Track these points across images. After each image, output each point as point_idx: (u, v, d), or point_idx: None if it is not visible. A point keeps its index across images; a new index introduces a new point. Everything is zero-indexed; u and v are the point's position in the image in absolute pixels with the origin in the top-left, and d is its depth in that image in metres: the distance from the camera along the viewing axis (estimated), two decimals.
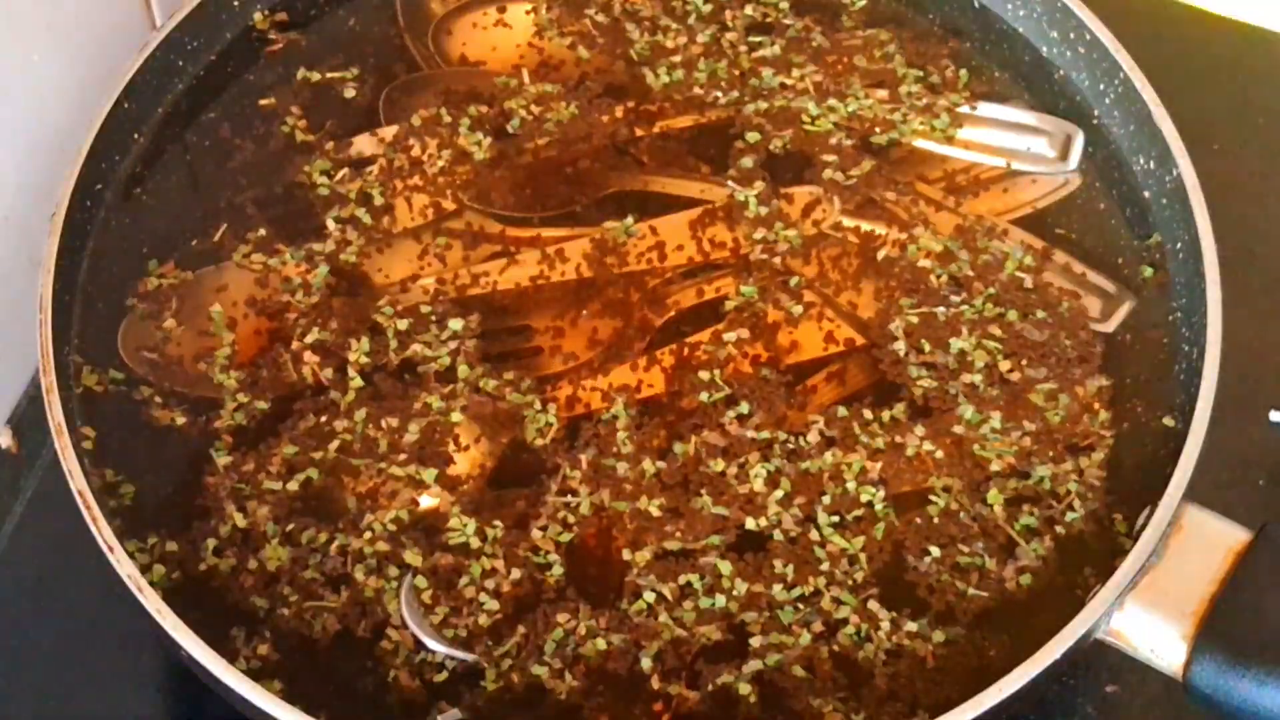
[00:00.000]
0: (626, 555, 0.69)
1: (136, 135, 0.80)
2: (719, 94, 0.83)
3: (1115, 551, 0.68)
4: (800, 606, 0.68)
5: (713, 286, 0.77)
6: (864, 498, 0.70)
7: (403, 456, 0.71)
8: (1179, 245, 0.76)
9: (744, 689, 0.66)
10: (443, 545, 0.69)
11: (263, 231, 0.78)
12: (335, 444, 0.72)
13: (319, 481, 0.71)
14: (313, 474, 0.71)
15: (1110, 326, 0.76)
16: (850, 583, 0.68)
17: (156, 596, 0.64)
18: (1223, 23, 0.99)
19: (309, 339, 0.75)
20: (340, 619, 0.68)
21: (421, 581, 0.68)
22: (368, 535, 0.69)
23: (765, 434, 0.72)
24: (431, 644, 0.67)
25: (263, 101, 0.83)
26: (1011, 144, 0.81)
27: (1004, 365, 0.74)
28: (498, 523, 0.70)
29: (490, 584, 0.68)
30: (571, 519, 0.70)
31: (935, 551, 0.69)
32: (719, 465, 0.71)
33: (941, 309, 0.75)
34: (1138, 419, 0.73)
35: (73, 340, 0.74)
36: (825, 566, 0.69)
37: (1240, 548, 0.66)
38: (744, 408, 0.73)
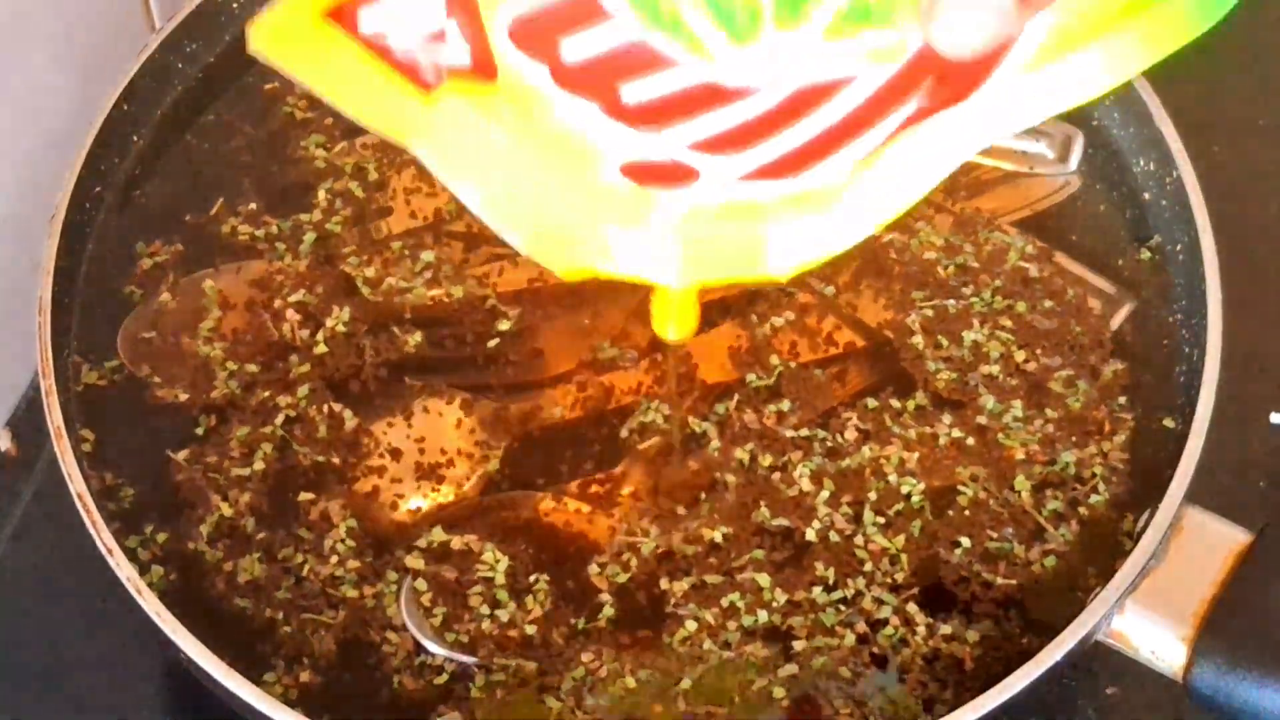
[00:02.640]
0: (664, 584, 0.69)
1: (136, 137, 0.80)
2: None
3: (1116, 553, 0.68)
4: (842, 609, 0.68)
5: (714, 288, 0.77)
6: (904, 489, 0.70)
7: (384, 460, 0.71)
8: (1179, 247, 0.76)
9: (778, 693, 0.66)
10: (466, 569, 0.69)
11: (254, 205, 0.78)
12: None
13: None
14: (265, 448, 0.71)
15: (1110, 328, 0.76)
16: (890, 582, 0.68)
17: (155, 599, 0.64)
18: (1223, 23, 0.99)
19: (291, 299, 0.75)
20: (341, 629, 0.68)
21: (421, 584, 0.68)
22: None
23: (804, 432, 0.72)
24: (432, 647, 0.67)
25: (267, 86, 0.83)
26: (1011, 146, 0.81)
27: (1019, 355, 0.74)
28: (540, 576, 0.69)
29: (507, 611, 0.68)
30: (634, 560, 0.69)
31: (966, 542, 0.69)
32: (767, 460, 0.71)
33: (952, 301, 0.76)
34: (1139, 420, 0.73)
35: (72, 342, 0.74)
36: (868, 567, 0.68)
37: (1241, 549, 0.66)
38: (761, 389, 0.73)
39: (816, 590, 0.68)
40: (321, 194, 0.79)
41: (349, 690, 0.66)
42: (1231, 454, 0.81)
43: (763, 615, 0.67)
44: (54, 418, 0.68)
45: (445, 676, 0.67)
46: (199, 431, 0.72)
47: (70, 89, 0.82)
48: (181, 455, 0.71)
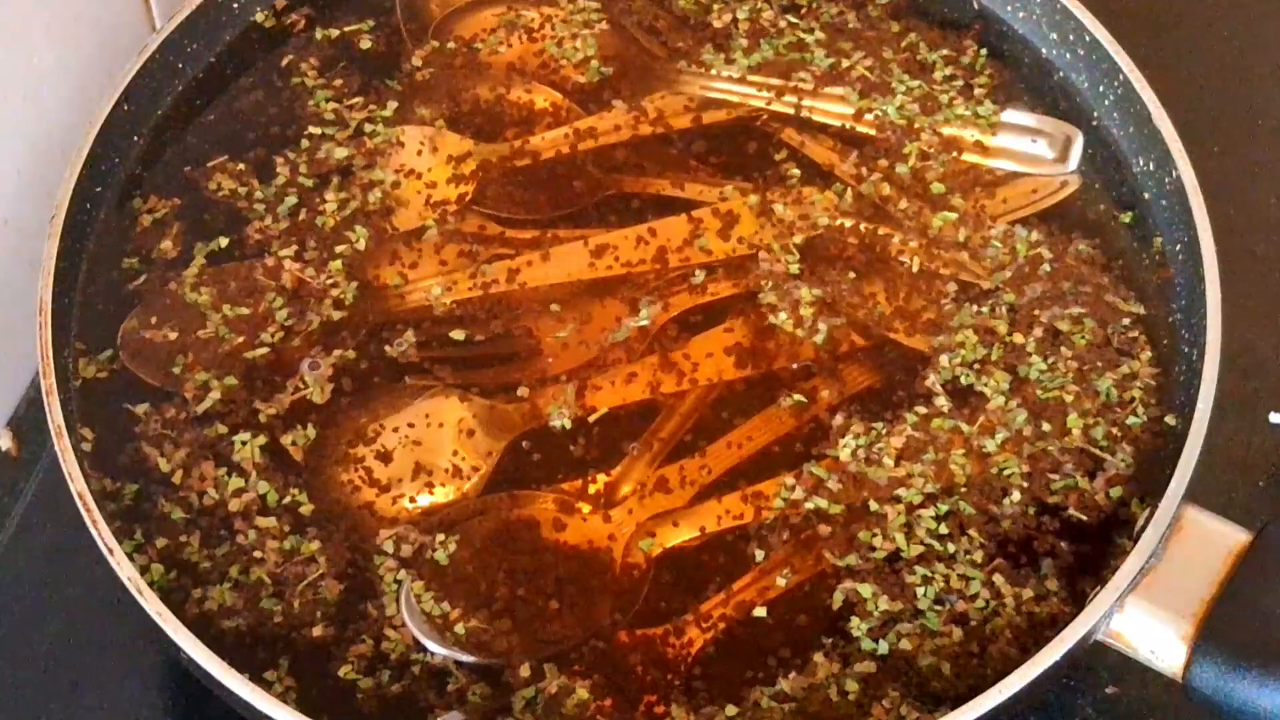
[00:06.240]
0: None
1: (136, 137, 0.80)
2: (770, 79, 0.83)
3: (1115, 552, 0.68)
4: (939, 609, 0.68)
5: (713, 288, 0.77)
6: (985, 443, 0.71)
7: (384, 460, 0.72)
8: (1179, 246, 0.76)
9: (851, 686, 0.66)
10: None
11: (241, 167, 0.79)
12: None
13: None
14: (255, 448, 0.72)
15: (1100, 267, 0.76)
16: (974, 559, 0.68)
17: (156, 598, 0.64)
18: (1223, 23, 0.99)
19: (283, 253, 0.76)
20: (341, 628, 0.68)
21: (420, 584, 0.68)
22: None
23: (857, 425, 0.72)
24: (431, 645, 0.67)
25: (284, 61, 0.83)
26: (1011, 145, 0.81)
27: (1026, 320, 0.75)
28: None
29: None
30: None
31: (1019, 491, 0.70)
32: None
33: (951, 284, 0.76)
34: (1152, 338, 0.74)
35: (72, 343, 0.74)
36: (952, 549, 0.69)
37: (1240, 549, 0.66)
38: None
39: (920, 593, 0.68)
40: (328, 190, 0.79)
41: (348, 689, 0.66)
42: (1231, 454, 0.82)
43: (885, 645, 0.67)
44: (54, 417, 0.68)
45: (445, 676, 0.67)
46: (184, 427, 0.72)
47: (71, 88, 0.82)
48: (165, 458, 0.71)
